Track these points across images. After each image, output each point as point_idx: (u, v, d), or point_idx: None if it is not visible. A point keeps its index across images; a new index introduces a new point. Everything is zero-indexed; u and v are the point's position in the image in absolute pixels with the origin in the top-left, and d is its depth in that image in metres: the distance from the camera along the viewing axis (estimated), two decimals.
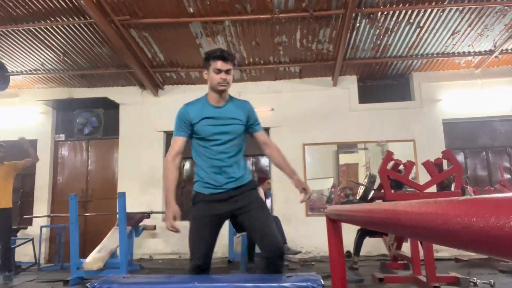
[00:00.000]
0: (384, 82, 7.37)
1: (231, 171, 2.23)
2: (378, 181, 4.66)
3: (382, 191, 4.28)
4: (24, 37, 5.72)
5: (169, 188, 2.26)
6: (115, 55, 6.22)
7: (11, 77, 6.91)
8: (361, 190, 4.97)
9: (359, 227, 4.85)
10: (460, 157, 6.83)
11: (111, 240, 4.99)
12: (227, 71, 2.19)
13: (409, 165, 4.14)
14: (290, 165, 2.36)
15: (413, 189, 4.16)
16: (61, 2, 5.00)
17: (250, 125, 2.32)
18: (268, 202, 6.50)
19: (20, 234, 6.21)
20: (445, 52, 6.44)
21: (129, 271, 4.73)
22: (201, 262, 2.14)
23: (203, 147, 2.27)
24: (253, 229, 2.18)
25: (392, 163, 4.38)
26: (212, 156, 2.24)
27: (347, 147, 7.22)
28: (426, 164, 4.01)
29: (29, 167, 5.57)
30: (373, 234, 4.97)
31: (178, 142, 2.29)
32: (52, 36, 5.71)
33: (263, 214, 2.20)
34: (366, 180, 4.88)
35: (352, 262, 4.97)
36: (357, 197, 5.14)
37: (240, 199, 2.23)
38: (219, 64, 2.17)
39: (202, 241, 2.18)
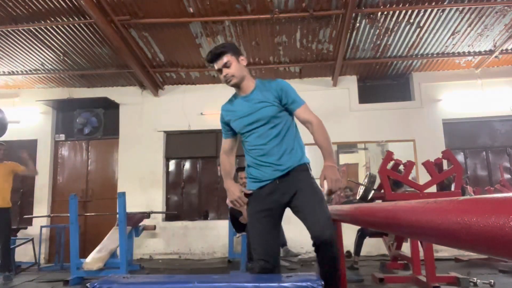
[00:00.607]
0: (384, 82, 7.37)
1: (273, 159, 2.10)
2: (378, 181, 4.65)
3: (382, 191, 4.27)
4: (24, 37, 5.72)
5: (224, 174, 2.35)
6: (115, 55, 6.22)
7: (11, 77, 6.92)
8: (361, 190, 4.97)
9: (359, 227, 4.85)
10: (460, 157, 6.83)
11: (111, 240, 4.99)
12: (225, 65, 2.12)
13: (409, 165, 4.14)
14: (328, 147, 2.12)
15: (413, 189, 4.16)
16: (61, 2, 5.00)
17: (284, 104, 2.16)
18: None
19: (20, 234, 6.21)
20: (445, 52, 6.44)
21: (129, 271, 4.73)
22: (263, 260, 2.02)
23: (243, 141, 2.24)
24: (303, 217, 2.09)
25: (392, 163, 4.38)
26: (251, 148, 2.17)
27: (347, 147, 7.22)
28: (426, 164, 4.00)
29: (28, 176, 5.48)
30: (373, 234, 4.96)
31: (224, 144, 2.37)
32: (52, 36, 5.71)
33: (312, 200, 2.04)
34: (366, 180, 4.88)
35: (353, 262, 4.96)
36: (357, 197, 5.15)
37: (291, 185, 2.09)
38: (215, 65, 2.17)
39: (259, 237, 2.09)
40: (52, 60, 6.39)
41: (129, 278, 1.85)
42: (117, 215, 4.66)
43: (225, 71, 2.13)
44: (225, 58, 2.12)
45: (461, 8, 5.24)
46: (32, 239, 6.08)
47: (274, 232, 2.13)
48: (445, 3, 5.16)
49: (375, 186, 4.75)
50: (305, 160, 2.18)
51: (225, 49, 2.15)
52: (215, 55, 2.13)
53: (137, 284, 1.77)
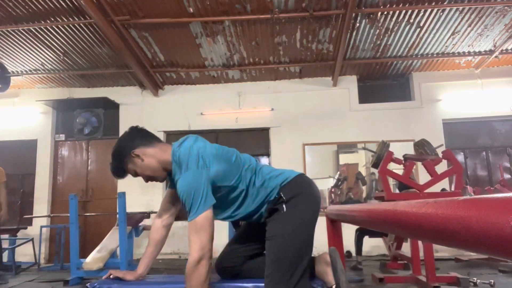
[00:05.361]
0: (384, 82, 7.37)
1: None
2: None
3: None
4: (24, 37, 5.72)
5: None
6: (115, 55, 6.22)
7: (11, 77, 6.91)
8: (374, 157, 5.04)
9: (357, 227, 4.85)
10: (460, 157, 6.84)
11: (111, 240, 4.98)
12: (135, 176, 1.76)
13: (409, 165, 4.13)
14: None
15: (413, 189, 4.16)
16: (61, 2, 5.00)
17: None
18: None
19: (20, 234, 6.21)
20: (445, 52, 6.44)
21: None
22: (220, 261, 1.88)
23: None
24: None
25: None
26: None
27: (347, 147, 7.22)
28: (426, 164, 4.00)
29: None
30: (372, 233, 4.96)
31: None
32: (52, 36, 5.71)
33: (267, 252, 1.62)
34: (379, 148, 4.95)
35: (356, 262, 4.95)
36: (370, 165, 5.22)
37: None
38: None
39: (231, 240, 1.96)
40: (52, 60, 6.39)
41: None
42: (117, 215, 4.65)
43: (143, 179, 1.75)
44: (125, 172, 1.74)
45: (461, 8, 5.24)
46: (32, 239, 6.08)
47: (247, 244, 1.86)
48: (445, 3, 5.16)
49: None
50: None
51: (116, 171, 1.74)
52: (114, 175, 1.77)
53: (137, 284, 1.77)
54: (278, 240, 1.56)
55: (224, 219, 1.77)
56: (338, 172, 6.82)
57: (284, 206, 1.59)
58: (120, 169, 1.72)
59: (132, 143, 1.68)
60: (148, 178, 1.73)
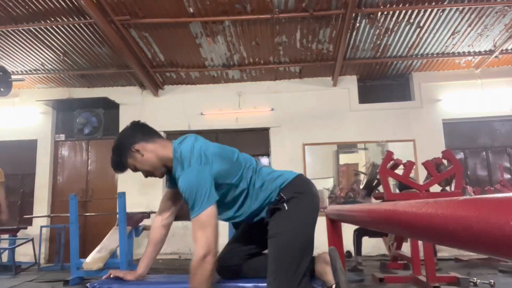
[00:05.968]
0: (384, 82, 7.37)
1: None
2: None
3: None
4: (24, 37, 5.71)
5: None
6: (115, 55, 6.21)
7: (12, 77, 6.90)
8: (364, 179, 5.09)
9: (356, 227, 4.86)
10: (460, 157, 6.84)
11: (111, 240, 4.99)
12: (135, 171, 1.75)
13: (409, 165, 4.13)
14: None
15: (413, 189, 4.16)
16: (61, 2, 4.99)
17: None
18: None
19: (20, 234, 6.21)
20: (445, 52, 6.44)
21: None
22: (220, 260, 1.74)
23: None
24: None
25: (391, 162, 4.38)
26: None
27: (347, 147, 7.22)
28: (426, 164, 4.00)
29: None
30: (373, 234, 4.97)
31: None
32: (52, 36, 5.71)
33: (270, 250, 1.61)
34: (369, 170, 4.97)
35: (356, 263, 4.94)
36: (361, 186, 5.32)
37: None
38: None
39: (231, 239, 1.94)
40: (52, 60, 6.38)
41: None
42: (117, 215, 4.65)
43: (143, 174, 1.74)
44: (126, 166, 1.72)
45: (461, 8, 5.24)
46: (32, 239, 6.08)
47: (247, 243, 1.85)
48: (445, 3, 5.16)
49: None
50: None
51: (116, 166, 1.73)
52: (115, 170, 1.77)
53: (137, 284, 1.77)
54: (281, 237, 1.55)
55: (226, 219, 1.76)
56: (333, 185, 6.92)
57: (285, 204, 1.60)
58: (120, 163, 1.71)
59: (133, 138, 1.68)
60: (147, 174, 1.72)
